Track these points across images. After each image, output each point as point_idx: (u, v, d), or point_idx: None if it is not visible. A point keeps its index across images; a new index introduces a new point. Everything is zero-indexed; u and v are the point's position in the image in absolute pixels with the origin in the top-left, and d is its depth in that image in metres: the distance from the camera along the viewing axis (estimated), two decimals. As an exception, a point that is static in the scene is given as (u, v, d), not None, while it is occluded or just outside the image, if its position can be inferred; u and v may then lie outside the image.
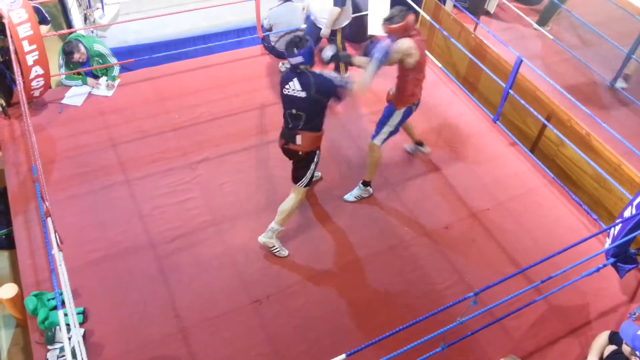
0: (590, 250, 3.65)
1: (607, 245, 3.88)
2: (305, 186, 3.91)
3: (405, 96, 4.02)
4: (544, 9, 7.05)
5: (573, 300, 3.95)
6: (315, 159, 3.86)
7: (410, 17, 3.75)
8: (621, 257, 3.70)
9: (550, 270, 3.21)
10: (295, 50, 3.51)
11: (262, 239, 4.02)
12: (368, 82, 3.59)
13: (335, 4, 5.12)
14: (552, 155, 4.95)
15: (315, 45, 4.05)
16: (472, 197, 4.67)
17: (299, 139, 3.71)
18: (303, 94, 3.57)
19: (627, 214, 3.71)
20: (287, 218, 3.98)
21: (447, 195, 4.67)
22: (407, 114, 4.15)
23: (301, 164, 3.86)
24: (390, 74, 4.07)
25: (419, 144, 4.86)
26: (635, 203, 3.64)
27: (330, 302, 3.86)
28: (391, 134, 4.22)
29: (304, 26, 5.83)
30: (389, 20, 3.75)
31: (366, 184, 4.49)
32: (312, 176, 3.92)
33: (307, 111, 3.63)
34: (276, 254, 4.05)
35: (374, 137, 4.25)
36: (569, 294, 3.85)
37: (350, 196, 4.52)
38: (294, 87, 3.59)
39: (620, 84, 6.21)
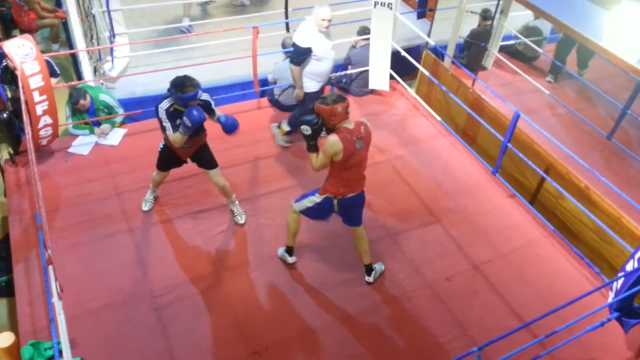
0: (593, 304, 3.63)
1: (610, 299, 3.85)
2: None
3: (327, 183, 3.81)
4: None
5: (578, 355, 3.88)
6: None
7: (342, 106, 3.53)
8: (625, 311, 3.67)
9: (554, 323, 3.18)
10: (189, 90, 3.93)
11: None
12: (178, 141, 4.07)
13: (292, 61, 4.94)
14: (552, 207, 4.99)
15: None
16: (473, 248, 4.67)
17: None
18: None
19: (629, 267, 3.71)
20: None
21: (448, 246, 4.67)
22: (324, 205, 3.84)
23: None
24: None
25: (367, 268, 4.24)
26: (637, 256, 3.64)
27: (330, 355, 3.80)
28: (310, 212, 3.95)
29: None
30: (322, 99, 3.59)
31: (287, 249, 4.26)
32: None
33: None
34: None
35: (297, 200, 4.02)
36: (574, 349, 3.78)
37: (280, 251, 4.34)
38: None
39: None
